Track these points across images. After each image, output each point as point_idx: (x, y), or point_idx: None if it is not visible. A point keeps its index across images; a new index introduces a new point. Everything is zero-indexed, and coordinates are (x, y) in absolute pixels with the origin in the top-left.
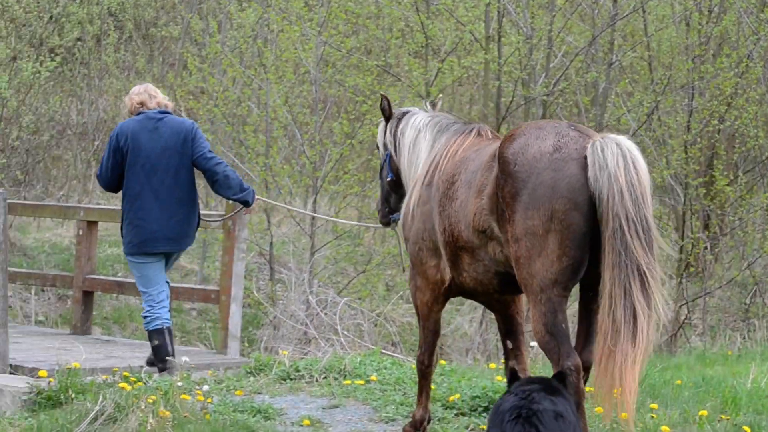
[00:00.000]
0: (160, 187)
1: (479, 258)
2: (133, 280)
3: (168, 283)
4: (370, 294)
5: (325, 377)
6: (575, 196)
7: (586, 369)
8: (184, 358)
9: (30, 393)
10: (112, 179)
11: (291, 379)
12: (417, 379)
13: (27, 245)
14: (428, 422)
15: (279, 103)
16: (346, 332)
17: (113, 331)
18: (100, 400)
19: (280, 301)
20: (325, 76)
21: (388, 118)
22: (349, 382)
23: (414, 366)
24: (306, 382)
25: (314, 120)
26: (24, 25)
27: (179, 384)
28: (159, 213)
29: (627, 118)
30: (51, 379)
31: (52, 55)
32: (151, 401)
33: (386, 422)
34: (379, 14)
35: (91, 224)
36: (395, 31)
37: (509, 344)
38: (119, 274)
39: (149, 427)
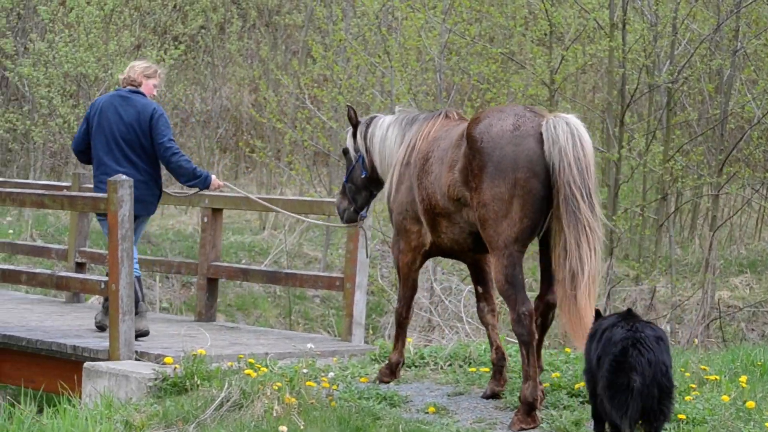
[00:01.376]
0: (119, 157)
1: (455, 221)
2: (257, 267)
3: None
4: None
5: (449, 364)
6: (534, 166)
7: (551, 307)
8: (309, 345)
9: (156, 379)
10: (83, 145)
11: (416, 367)
12: (395, 330)
13: (151, 232)
14: (402, 365)
15: (403, 91)
16: (470, 320)
17: (237, 317)
18: (226, 386)
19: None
20: (449, 64)
21: (355, 126)
22: (474, 369)
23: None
24: (431, 370)
25: (438, 108)
26: (148, 14)
27: (304, 371)
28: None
29: (751, 105)
30: (177, 366)
31: (176, 43)
32: (276, 388)
33: (511, 409)
34: (503, 1)
35: (216, 211)
36: (519, 18)
37: (480, 289)
38: (243, 261)
39: (275, 414)
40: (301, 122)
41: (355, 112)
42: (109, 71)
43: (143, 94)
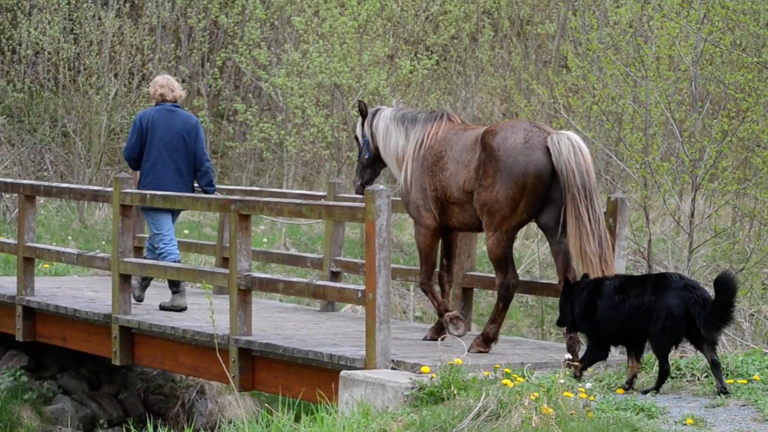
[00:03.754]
0: (170, 159)
1: (467, 209)
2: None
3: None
4: (748, 292)
5: (706, 376)
6: (540, 174)
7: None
8: (567, 355)
9: (412, 388)
10: (136, 153)
11: (672, 378)
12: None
13: (404, 241)
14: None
15: (657, 100)
16: (727, 332)
17: None
18: (483, 396)
19: None
20: (703, 73)
21: (364, 116)
22: (731, 381)
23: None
24: (687, 381)
25: (693, 117)
26: (400, 24)
27: (561, 381)
28: (168, 180)
29: None
30: (433, 375)
31: (429, 53)
32: (533, 398)
33: None
34: (757, 9)
35: None
36: None
37: (445, 261)
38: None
39: (533, 424)
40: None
41: (365, 106)
42: (362, 81)
43: (180, 107)
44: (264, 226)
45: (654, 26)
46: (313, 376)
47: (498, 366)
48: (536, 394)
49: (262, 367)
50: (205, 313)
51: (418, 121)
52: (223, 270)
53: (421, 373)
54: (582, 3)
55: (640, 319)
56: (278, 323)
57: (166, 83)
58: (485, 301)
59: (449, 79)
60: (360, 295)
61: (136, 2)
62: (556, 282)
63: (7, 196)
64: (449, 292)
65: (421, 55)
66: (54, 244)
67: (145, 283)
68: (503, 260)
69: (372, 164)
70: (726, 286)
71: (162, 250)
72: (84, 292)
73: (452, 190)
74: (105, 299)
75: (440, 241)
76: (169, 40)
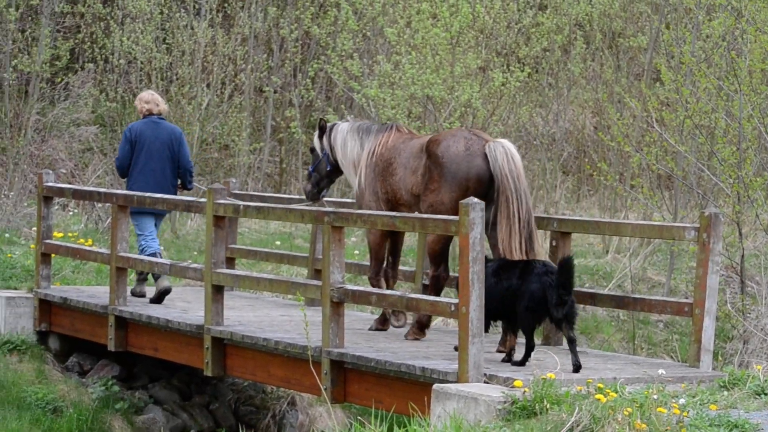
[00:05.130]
0: (155, 167)
1: (414, 210)
2: (605, 291)
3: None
4: None
5: None
6: (480, 177)
7: None
8: (660, 371)
9: (505, 402)
10: (128, 162)
11: (765, 394)
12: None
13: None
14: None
15: (751, 114)
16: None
17: (580, 341)
18: (576, 411)
19: (749, 315)
20: None
21: (323, 131)
22: None
23: None
24: None
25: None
26: (492, 35)
27: (654, 396)
28: (153, 184)
29: None
30: (526, 389)
31: (521, 65)
32: (627, 413)
33: None
34: None
35: (565, 235)
36: None
37: (391, 259)
38: (586, 285)
39: None
40: (648, 145)
41: (325, 122)
42: (455, 93)
43: (164, 119)
44: (355, 237)
45: (747, 40)
46: (405, 389)
47: (590, 381)
48: (629, 409)
49: (354, 380)
50: (297, 325)
51: (372, 131)
52: (315, 282)
53: (513, 387)
54: (675, 16)
55: (510, 299)
56: (372, 335)
57: (151, 99)
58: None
59: (541, 92)
60: (453, 308)
61: (229, 12)
62: (648, 297)
63: (99, 205)
64: (393, 286)
65: (513, 67)
66: None
67: (142, 276)
68: (440, 255)
69: (330, 174)
70: (564, 268)
71: (142, 246)
72: (176, 303)
73: (401, 193)
74: (197, 310)
75: (390, 241)
76: (261, 50)
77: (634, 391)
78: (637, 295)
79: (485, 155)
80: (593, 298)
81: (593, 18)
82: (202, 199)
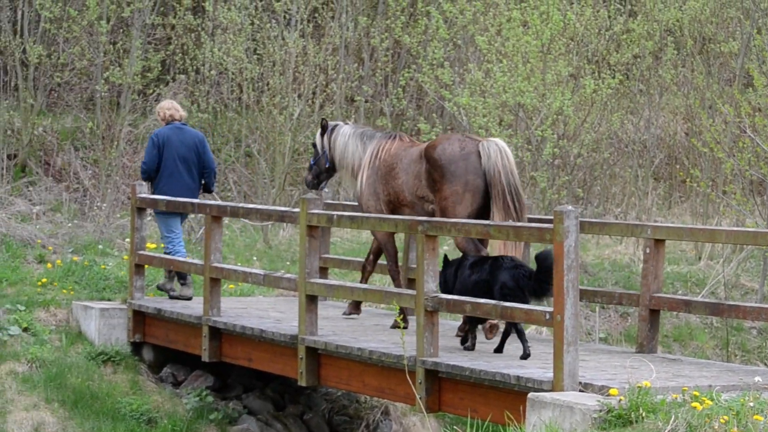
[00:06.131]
0: (183, 171)
1: (417, 210)
2: (699, 299)
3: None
4: None
5: None
6: (477, 172)
7: None
8: (757, 378)
9: (600, 411)
10: (155, 166)
11: None
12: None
13: (587, 262)
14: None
15: None
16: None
17: (674, 349)
18: (672, 419)
19: None
20: None
21: (324, 129)
22: None
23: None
24: None
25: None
26: (583, 42)
27: (751, 404)
28: (181, 187)
29: None
30: (622, 398)
31: (612, 72)
32: (723, 421)
33: None
34: None
35: (658, 242)
36: None
37: (371, 257)
38: (679, 292)
39: None
40: (741, 151)
41: (327, 121)
42: (546, 101)
43: (186, 124)
44: (447, 246)
45: None
46: (499, 397)
47: (686, 389)
48: (725, 417)
49: (448, 389)
50: (391, 334)
51: (375, 137)
52: (410, 291)
53: (609, 395)
54: (766, 21)
55: (481, 291)
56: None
57: (171, 106)
58: (669, 322)
59: (632, 98)
60: (548, 316)
61: (319, 22)
62: (742, 303)
63: (192, 216)
64: (367, 278)
65: (605, 74)
66: (239, 264)
67: (172, 274)
68: (468, 244)
69: (329, 170)
70: (542, 261)
71: (169, 251)
72: (269, 313)
73: (405, 195)
74: (291, 320)
75: (379, 240)
76: (352, 60)
77: (730, 398)
78: (731, 302)
79: (479, 153)
80: (687, 306)
81: (684, 24)
82: (296, 209)
